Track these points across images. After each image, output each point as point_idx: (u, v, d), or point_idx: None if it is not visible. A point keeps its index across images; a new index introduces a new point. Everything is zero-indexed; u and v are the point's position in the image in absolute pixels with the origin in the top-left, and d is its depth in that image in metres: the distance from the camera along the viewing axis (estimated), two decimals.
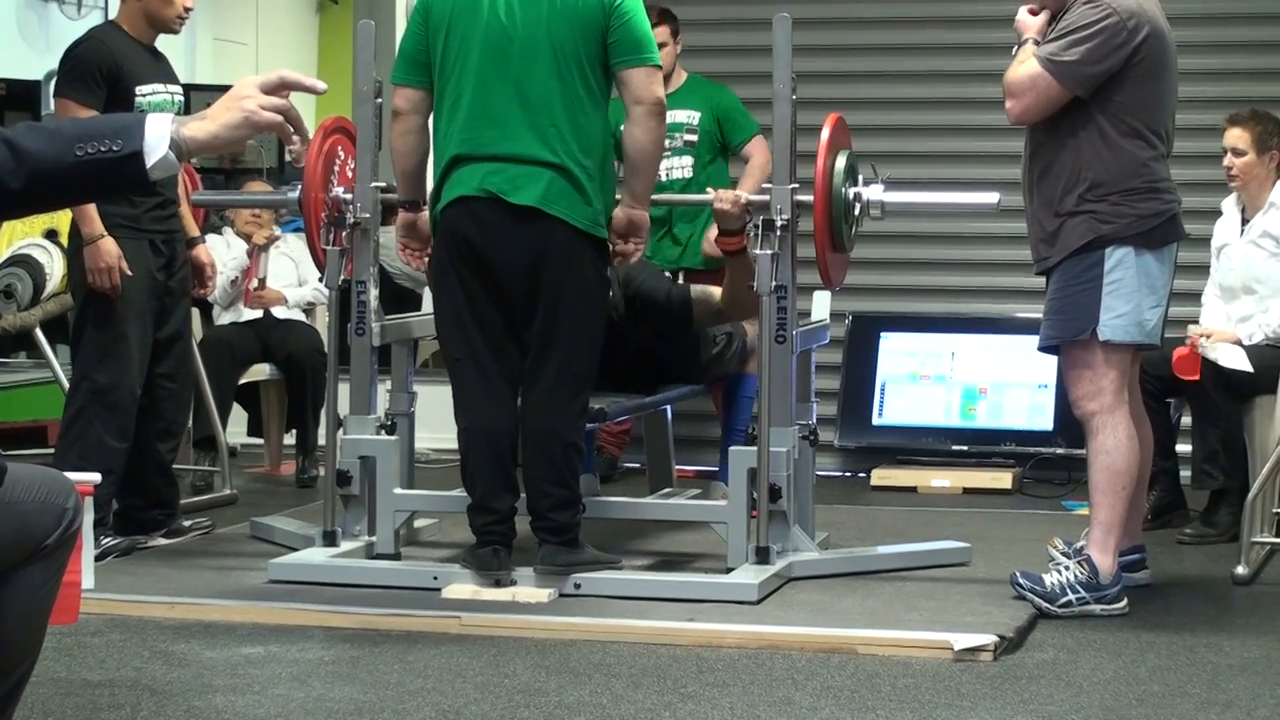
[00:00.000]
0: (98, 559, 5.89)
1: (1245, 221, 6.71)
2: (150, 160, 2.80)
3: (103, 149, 2.79)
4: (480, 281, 5.34)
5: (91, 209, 5.90)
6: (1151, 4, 5.31)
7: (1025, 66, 5.24)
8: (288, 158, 9.17)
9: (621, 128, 5.38)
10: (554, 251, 5.27)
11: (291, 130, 2.89)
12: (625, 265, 5.78)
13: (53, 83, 9.18)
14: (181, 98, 6.21)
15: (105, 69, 5.93)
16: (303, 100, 3.04)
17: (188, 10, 6.17)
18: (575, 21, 5.26)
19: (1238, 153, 6.64)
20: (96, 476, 3.51)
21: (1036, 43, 5.30)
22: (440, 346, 5.64)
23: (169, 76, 6.20)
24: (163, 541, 6.27)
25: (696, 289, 6.27)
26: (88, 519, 3.44)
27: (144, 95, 5.97)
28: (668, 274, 6.76)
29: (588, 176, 5.28)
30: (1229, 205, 6.83)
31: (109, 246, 5.92)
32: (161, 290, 6.16)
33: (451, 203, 5.34)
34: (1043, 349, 5.49)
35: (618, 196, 5.44)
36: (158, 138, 2.80)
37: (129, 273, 5.97)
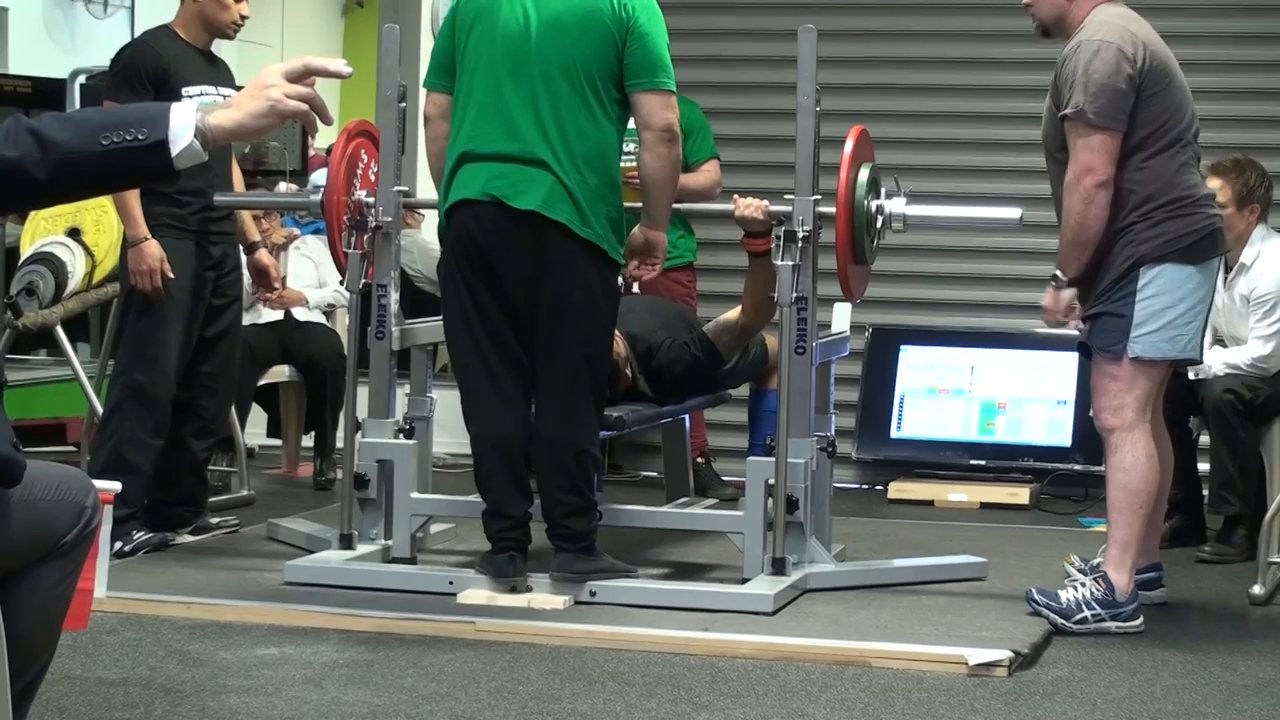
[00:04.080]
0: (130, 554, 5.94)
1: (1228, 269, 6.64)
2: (175, 149, 2.80)
3: (128, 138, 2.79)
4: (487, 285, 5.34)
5: (136, 211, 5.96)
6: (1139, 24, 5.31)
7: (1075, 155, 5.19)
8: (311, 151, 9.21)
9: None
10: (556, 257, 5.27)
11: (316, 119, 2.89)
12: (639, 337, 5.97)
13: (77, 80, 9.28)
14: None
15: (152, 70, 5.99)
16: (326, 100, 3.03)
17: (244, 18, 6.23)
18: (590, 33, 5.26)
19: (1217, 205, 6.53)
20: (117, 485, 3.51)
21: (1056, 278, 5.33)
22: (449, 351, 5.65)
23: (222, 80, 6.23)
24: (189, 538, 6.31)
25: (710, 325, 6.27)
26: (105, 527, 3.44)
27: (191, 96, 5.98)
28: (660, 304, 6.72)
29: (587, 189, 5.25)
30: None
31: (152, 249, 5.97)
32: (209, 290, 6.20)
33: (456, 206, 5.35)
34: (1079, 348, 5.47)
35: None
36: (183, 126, 2.80)
37: (171, 275, 6.00)
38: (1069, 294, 5.34)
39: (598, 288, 5.34)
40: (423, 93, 5.64)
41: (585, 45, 5.26)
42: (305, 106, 2.86)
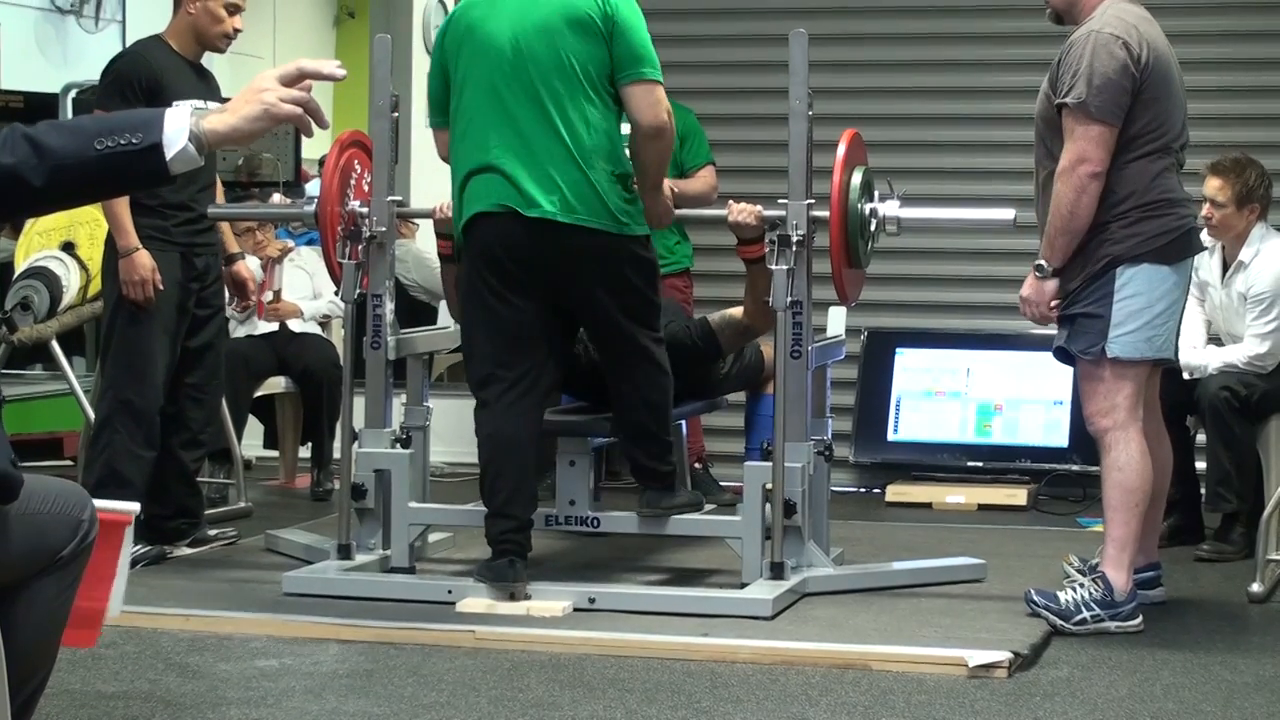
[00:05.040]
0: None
1: (1226, 265, 6.65)
2: (170, 153, 2.80)
3: (122, 142, 2.79)
4: (512, 294, 5.37)
5: (127, 221, 5.96)
6: (1149, 26, 5.31)
7: (1072, 143, 5.19)
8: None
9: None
10: (581, 256, 5.33)
11: (311, 122, 2.89)
12: None
13: (70, 95, 9.27)
14: None
15: (144, 81, 5.99)
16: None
17: (236, 31, 6.22)
18: (578, 31, 5.30)
19: (1216, 204, 6.49)
20: (135, 506, 3.51)
21: (1039, 267, 5.34)
22: (465, 359, 5.67)
23: (212, 93, 6.23)
24: (188, 551, 6.31)
25: (715, 316, 6.26)
26: (125, 551, 3.45)
27: None
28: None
29: (601, 181, 5.30)
30: (1211, 240, 6.71)
31: (143, 259, 5.98)
32: (193, 301, 6.20)
33: (472, 219, 5.37)
34: (1056, 353, 5.47)
35: None
36: (177, 130, 2.81)
37: (161, 286, 6.01)
38: (1053, 284, 5.33)
39: (629, 268, 5.42)
40: (416, 101, 5.66)
41: (575, 43, 5.30)
42: (299, 110, 2.86)
